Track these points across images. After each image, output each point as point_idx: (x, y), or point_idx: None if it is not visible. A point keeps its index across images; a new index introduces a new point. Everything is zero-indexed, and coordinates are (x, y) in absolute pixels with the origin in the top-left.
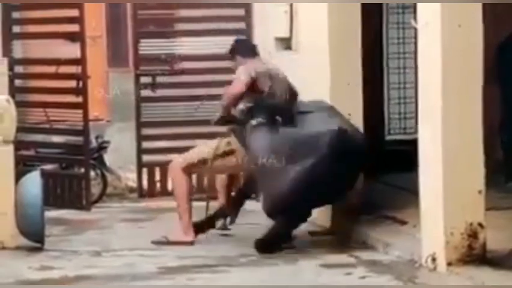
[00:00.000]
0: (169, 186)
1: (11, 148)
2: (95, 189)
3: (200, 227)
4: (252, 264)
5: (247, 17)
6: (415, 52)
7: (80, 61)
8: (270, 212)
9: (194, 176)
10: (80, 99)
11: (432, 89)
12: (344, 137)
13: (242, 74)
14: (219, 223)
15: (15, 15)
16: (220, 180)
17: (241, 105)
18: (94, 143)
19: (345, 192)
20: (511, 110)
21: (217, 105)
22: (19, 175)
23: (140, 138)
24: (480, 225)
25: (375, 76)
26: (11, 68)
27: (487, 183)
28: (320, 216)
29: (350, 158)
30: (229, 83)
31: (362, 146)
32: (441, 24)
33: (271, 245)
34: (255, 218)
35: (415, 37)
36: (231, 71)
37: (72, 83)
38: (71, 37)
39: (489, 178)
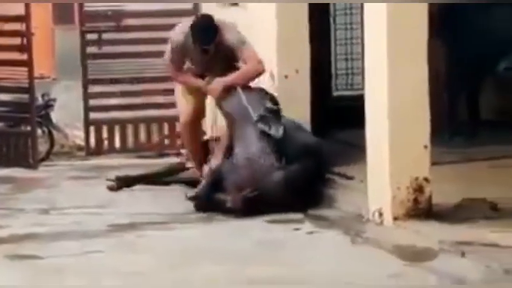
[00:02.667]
0: (117, 144)
1: None
2: (42, 148)
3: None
4: (200, 221)
5: None
6: (361, 8)
7: (25, 18)
8: (243, 210)
9: None
10: (25, 56)
11: (378, 45)
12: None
13: (250, 48)
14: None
15: None
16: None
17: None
18: (40, 101)
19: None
20: (455, 67)
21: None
22: None
23: (87, 95)
24: (426, 179)
25: (322, 32)
26: None
27: (432, 139)
28: None
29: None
30: None
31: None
32: None
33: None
34: None
35: None
36: None
37: (16, 40)
38: None
39: (433, 133)
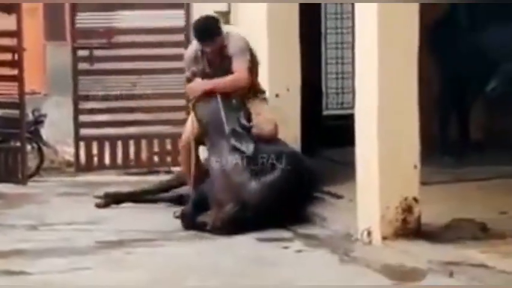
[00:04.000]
0: (106, 160)
1: None
2: (32, 163)
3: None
4: (189, 239)
5: None
6: (352, 28)
7: (16, 33)
8: (223, 229)
9: None
10: (16, 71)
11: (369, 64)
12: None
13: (244, 60)
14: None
15: None
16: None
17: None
18: (30, 117)
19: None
20: (446, 85)
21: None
22: None
23: (77, 111)
24: (415, 199)
25: (313, 51)
26: None
27: (422, 158)
28: None
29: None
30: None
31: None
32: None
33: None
34: None
35: (352, 11)
36: (168, 44)
37: (8, 56)
38: (7, 9)
39: (424, 153)
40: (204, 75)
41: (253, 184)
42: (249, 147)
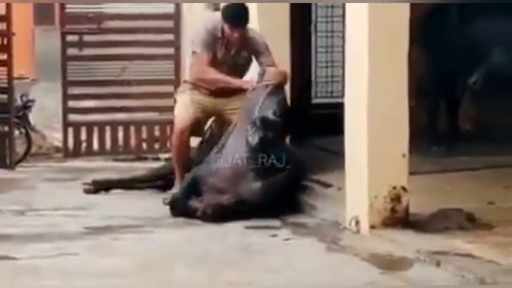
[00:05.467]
0: (95, 146)
1: None
2: (20, 148)
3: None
4: (177, 226)
5: None
6: (343, 16)
7: (5, 18)
8: (213, 217)
9: None
10: (4, 56)
11: (359, 52)
12: None
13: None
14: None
15: None
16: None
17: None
18: (18, 102)
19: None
20: (435, 76)
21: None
22: None
23: (66, 97)
24: (403, 188)
25: (303, 40)
26: None
27: (410, 148)
28: None
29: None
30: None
31: None
32: None
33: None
34: None
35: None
36: (158, 30)
37: None
38: None
39: (412, 143)
40: (222, 66)
41: (256, 184)
42: (254, 139)
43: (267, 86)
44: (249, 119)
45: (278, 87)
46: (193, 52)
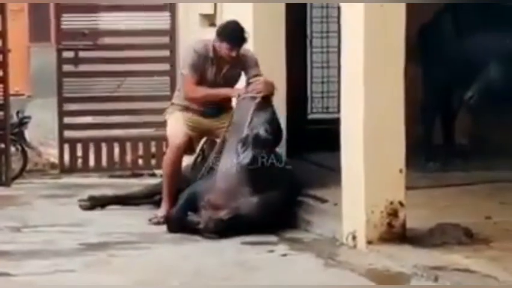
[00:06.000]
0: (91, 162)
1: None
2: (16, 165)
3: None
4: (173, 242)
5: None
6: (338, 32)
7: (1, 34)
8: (215, 232)
9: None
10: (0, 73)
11: (355, 68)
12: None
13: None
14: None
15: None
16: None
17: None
18: (14, 118)
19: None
20: (431, 91)
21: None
22: None
23: (62, 113)
24: (400, 203)
25: (298, 55)
26: None
27: (407, 163)
28: None
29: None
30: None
31: None
32: (364, 4)
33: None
34: None
35: (338, 15)
36: (154, 47)
37: None
38: None
39: (409, 158)
40: (211, 84)
41: (253, 199)
42: (245, 158)
43: (254, 98)
44: (239, 136)
45: (266, 100)
46: (181, 74)
